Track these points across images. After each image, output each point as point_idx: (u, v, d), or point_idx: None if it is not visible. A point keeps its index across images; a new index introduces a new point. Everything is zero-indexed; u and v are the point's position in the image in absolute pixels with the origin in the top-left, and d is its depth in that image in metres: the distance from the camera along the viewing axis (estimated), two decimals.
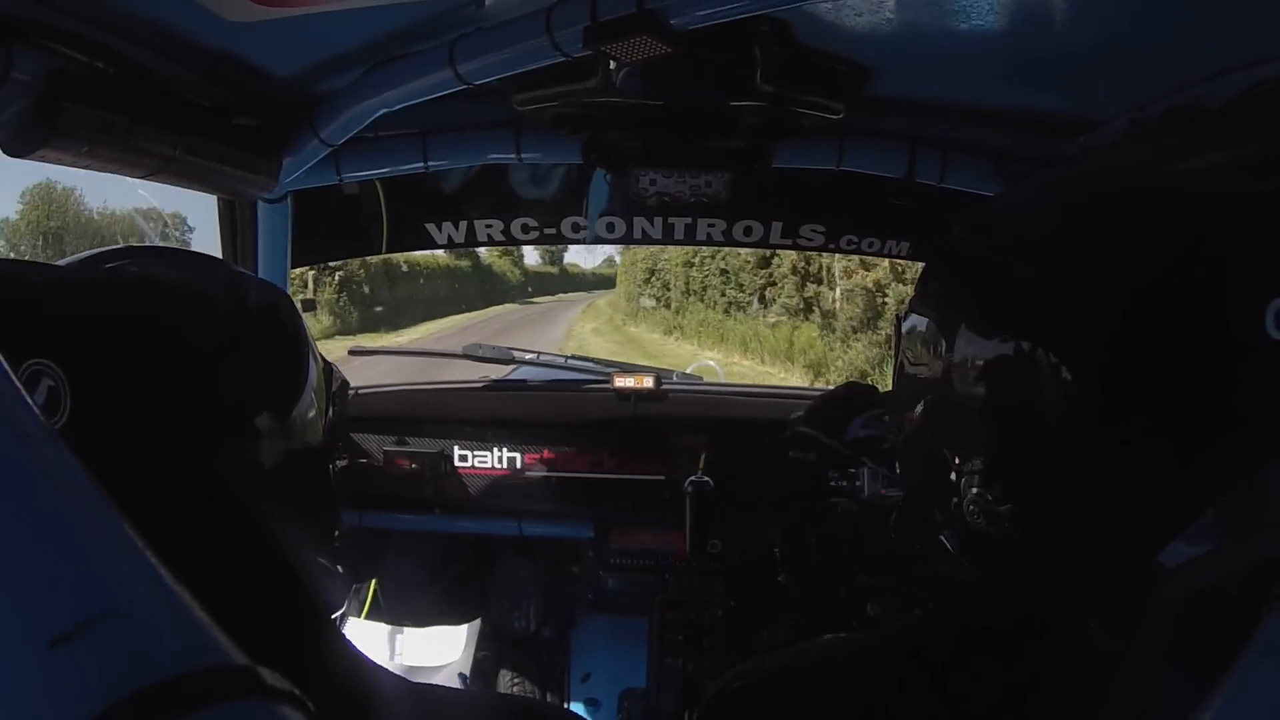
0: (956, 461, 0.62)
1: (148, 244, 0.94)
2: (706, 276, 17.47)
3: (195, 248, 1.06)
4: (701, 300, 17.61)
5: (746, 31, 0.99)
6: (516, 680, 1.84)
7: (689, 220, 1.60)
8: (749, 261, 15.52)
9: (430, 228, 1.62)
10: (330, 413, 0.83)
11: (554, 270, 43.37)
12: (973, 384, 0.60)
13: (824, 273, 13.82)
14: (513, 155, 1.35)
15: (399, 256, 19.91)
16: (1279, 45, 0.81)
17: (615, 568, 1.81)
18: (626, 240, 1.65)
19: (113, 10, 0.85)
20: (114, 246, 0.69)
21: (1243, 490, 0.50)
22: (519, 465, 1.75)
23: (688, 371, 2.16)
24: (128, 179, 0.97)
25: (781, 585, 1.66)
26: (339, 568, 0.78)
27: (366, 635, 1.83)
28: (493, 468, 1.75)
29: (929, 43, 1.00)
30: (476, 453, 1.75)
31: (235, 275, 0.76)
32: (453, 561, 1.91)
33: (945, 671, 0.55)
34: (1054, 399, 0.55)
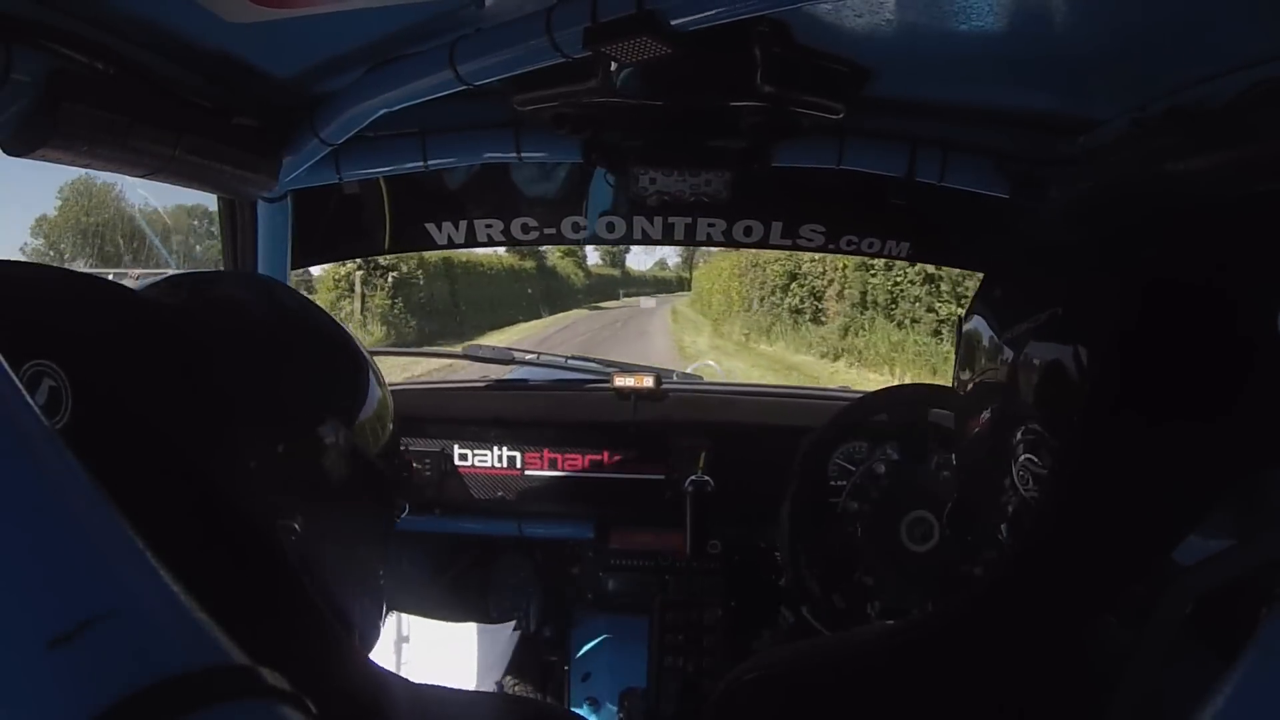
0: (1013, 442, 0.64)
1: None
2: (898, 285, 12.73)
3: None
4: (889, 317, 12.85)
5: (746, 32, 0.99)
6: (516, 680, 1.84)
7: (689, 220, 1.60)
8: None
9: (430, 227, 1.62)
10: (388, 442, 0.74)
11: (616, 272, 41.65)
12: (1020, 382, 0.62)
13: None
14: (513, 154, 1.35)
15: (460, 254, 18.75)
16: (1279, 45, 0.81)
17: (615, 568, 1.81)
18: (626, 240, 1.64)
19: (113, 10, 0.85)
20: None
21: (1253, 489, 0.50)
22: (519, 465, 1.74)
23: (688, 371, 2.17)
24: None
25: (781, 586, 1.66)
26: (382, 604, 0.73)
27: None
28: (493, 467, 1.75)
29: (929, 43, 1.00)
30: (477, 453, 1.76)
31: (267, 281, 0.73)
32: (452, 561, 1.91)
33: (959, 664, 0.55)
34: (1078, 394, 0.56)
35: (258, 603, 0.47)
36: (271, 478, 0.58)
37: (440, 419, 1.77)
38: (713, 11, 0.85)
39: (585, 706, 1.75)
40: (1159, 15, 0.83)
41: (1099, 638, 0.53)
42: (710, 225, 1.61)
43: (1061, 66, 1.03)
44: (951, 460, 1.29)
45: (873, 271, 13.14)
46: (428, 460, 1.73)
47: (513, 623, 1.78)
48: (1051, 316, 0.59)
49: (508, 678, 1.84)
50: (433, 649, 1.71)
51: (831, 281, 14.65)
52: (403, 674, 0.62)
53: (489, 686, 1.71)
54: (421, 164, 1.35)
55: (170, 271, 0.71)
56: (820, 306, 14.91)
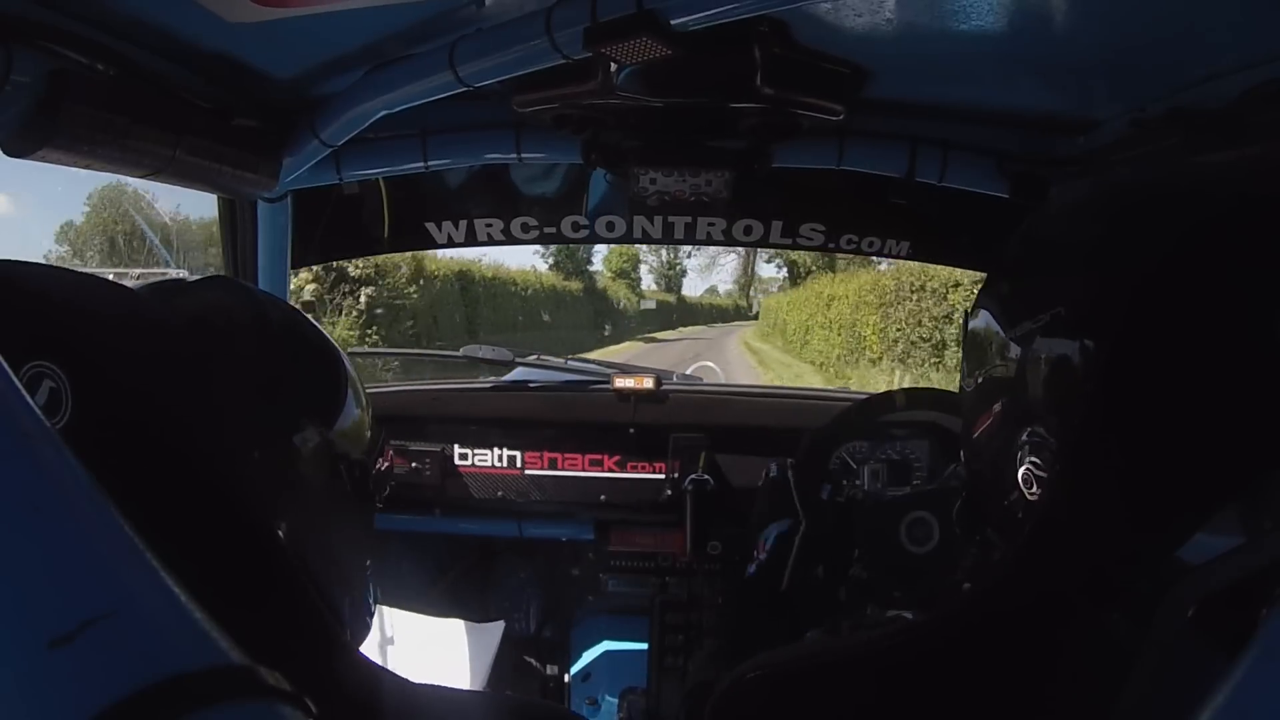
0: (1018, 443, 0.63)
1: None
2: None
3: None
4: None
5: (746, 33, 0.99)
6: (516, 680, 1.84)
7: (689, 219, 1.60)
8: None
9: (430, 227, 1.62)
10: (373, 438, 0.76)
11: (671, 299, 35.93)
12: (1028, 380, 0.62)
13: None
14: (513, 155, 1.35)
15: (484, 266, 16.25)
16: (1279, 45, 0.81)
17: (615, 568, 1.81)
18: (626, 240, 1.65)
19: (113, 11, 0.85)
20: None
21: (1259, 490, 0.50)
22: (520, 465, 1.74)
23: (688, 372, 2.17)
24: None
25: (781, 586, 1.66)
26: (369, 600, 0.75)
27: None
28: (493, 468, 1.75)
29: (929, 43, 1.00)
30: (477, 453, 1.76)
31: (253, 292, 0.74)
32: (453, 562, 1.91)
33: (960, 664, 0.55)
34: (1081, 394, 0.56)
35: (257, 602, 0.47)
36: (258, 478, 0.59)
37: (441, 419, 1.77)
38: (713, 11, 0.85)
39: (585, 706, 1.75)
40: (1159, 15, 0.83)
41: (1102, 637, 0.53)
42: (710, 225, 1.61)
43: (1061, 66, 1.03)
44: (958, 461, 1.29)
45: None
46: (428, 460, 1.73)
47: (502, 622, 1.77)
48: (1054, 316, 0.60)
49: (508, 677, 1.84)
50: (432, 649, 1.71)
51: None
52: (401, 674, 0.62)
53: (485, 686, 1.71)
54: (422, 165, 1.35)
55: (171, 272, 0.71)
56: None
